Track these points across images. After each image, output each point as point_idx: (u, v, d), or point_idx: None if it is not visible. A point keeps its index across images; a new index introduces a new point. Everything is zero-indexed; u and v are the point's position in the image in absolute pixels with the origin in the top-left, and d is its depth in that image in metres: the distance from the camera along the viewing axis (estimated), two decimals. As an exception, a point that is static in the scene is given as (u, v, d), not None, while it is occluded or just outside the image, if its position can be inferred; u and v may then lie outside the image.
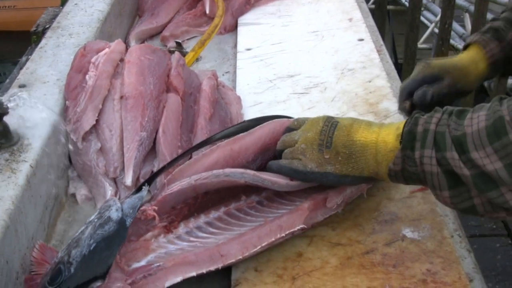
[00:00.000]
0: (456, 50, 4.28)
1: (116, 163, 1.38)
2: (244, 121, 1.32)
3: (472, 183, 0.97)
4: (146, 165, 1.40)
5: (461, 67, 1.39)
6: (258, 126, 1.27)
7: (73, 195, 1.40)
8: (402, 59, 4.20)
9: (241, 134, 1.25)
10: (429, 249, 1.15)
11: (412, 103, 1.36)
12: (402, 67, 4.13)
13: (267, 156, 1.27)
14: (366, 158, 1.11)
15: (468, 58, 1.41)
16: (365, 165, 1.12)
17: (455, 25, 4.59)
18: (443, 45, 3.44)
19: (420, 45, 4.89)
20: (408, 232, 1.19)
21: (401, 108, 1.40)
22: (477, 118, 0.98)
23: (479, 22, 3.41)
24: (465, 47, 1.45)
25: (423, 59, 1.43)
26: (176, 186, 1.16)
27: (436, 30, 4.44)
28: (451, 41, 3.78)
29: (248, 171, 1.18)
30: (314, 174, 1.15)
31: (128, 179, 1.35)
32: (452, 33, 3.96)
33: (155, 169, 1.39)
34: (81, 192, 1.40)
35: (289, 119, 1.29)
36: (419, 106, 1.33)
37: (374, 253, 1.15)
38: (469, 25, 4.63)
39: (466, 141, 0.97)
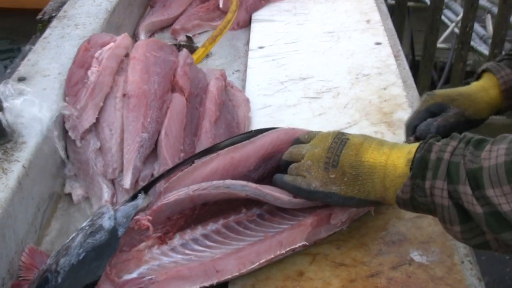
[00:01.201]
0: (475, 52, 4.19)
1: (115, 164, 1.32)
2: (252, 131, 1.26)
3: (484, 222, 0.90)
4: (146, 167, 1.34)
5: (469, 94, 1.31)
6: (261, 135, 1.21)
7: (69, 195, 1.34)
8: (420, 57, 4.12)
9: (242, 142, 1.19)
10: (438, 275, 1.08)
11: (416, 138, 1.28)
12: (419, 67, 4.04)
13: (270, 165, 1.22)
14: (374, 181, 1.05)
15: (478, 85, 1.33)
16: (372, 188, 1.05)
17: (476, 26, 4.48)
18: (462, 49, 3.35)
19: (439, 44, 4.80)
20: (416, 256, 1.12)
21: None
22: (496, 152, 0.90)
23: (502, 26, 3.32)
24: (478, 77, 1.36)
25: (426, 92, 1.34)
26: (173, 196, 1.10)
27: (456, 30, 4.36)
28: (471, 43, 3.69)
29: (250, 184, 1.12)
30: (318, 194, 1.09)
31: (127, 182, 1.30)
32: (473, 34, 3.87)
33: (155, 173, 1.33)
34: (78, 192, 1.34)
35: (294, 129, 1.23)
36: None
37: (379, 277, 1.08)
38: (490, 27, 4.54)
39: (482, 176, 0.89)
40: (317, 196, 1.09)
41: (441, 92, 1.31)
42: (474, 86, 1.33)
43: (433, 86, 4.22)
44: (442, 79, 4.39)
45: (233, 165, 1.17)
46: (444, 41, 5.23)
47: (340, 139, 1.10)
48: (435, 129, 1.26)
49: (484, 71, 1.35)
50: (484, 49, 4.16)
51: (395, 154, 1.04)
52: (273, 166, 1.21)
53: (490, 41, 4.34)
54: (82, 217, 1.29)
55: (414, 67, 4.17)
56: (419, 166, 0.97)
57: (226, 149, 1.18)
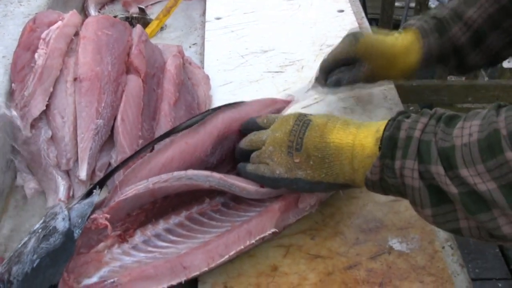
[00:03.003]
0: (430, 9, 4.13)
1: (69, 154, 1.23)
2: (208, 110, 1.17)
3: (460, 202, 0.83)
4: (102, 156, 1.26)
5: (389, 56, 1.27)
6: (210, 115, 1.13)
7: (21, 188, 1.25)
8: (371, 15, 4.07)
9: (194, 126, 1.11)
10: (419, 264, 1.02)
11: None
12: (377, 26, 3.98)
13: (227, 146, 1.14)
14: (341, 163, 0.97)
15: (402, 47, 1.27)
16: (340, 171, 0.97)
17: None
18: (420, 10, 3.29)
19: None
20: (395, 243, 1.06)
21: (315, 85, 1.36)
22: (468, 129, 0.83)
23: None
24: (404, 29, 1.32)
25: (352, 32, 1.31)
26: (131, 191, 1.01)
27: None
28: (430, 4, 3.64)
29: (214, 174, 1.04)
30: (283, 181, 1.01)
31: (82, 172, 1.21)
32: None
33: (112, 161, 1.25)
34: (30, 185, 1.25)
35: (241, 103, 1.18)
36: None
37: (358, 268, 1.02)
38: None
39: (454, 155, 0.82)
40: (283, 184, 1.02)
41: (364, 44, 1.27)
42: (398, 46, 1.27)
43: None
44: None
45: (189, 151, 1.09)
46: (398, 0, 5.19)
47: (302, 121, 1.02)
48: (344, 84, 1.29)
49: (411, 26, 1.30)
50: (440, 7, 4.11)
51: (362, 133, 0.96)
52: (230, 147, 1.14)
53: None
54: (37, 213, 1.20)
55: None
56: (388, 145, 0.90)
57: (180, 134, 1.10)
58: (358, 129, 0.97)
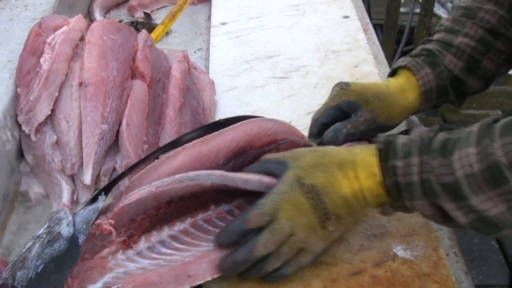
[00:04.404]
0: (434, 16, 4.13)
1: (74, 158, 1.23)
2: (220, 120, 1.16)
3: (470, 228, 0.88)
4: (107, 161, 1.26)
5: (386, 96, 1.19)
6: (231, 126, 1.12)
7: (26, 193, 1.25)
8: (376, 20, 4.07)
9: (211, 135, 1.09)
10: (424, 271, 1.02)
11: (322, 142, 1.18)
12: (382, 32, 3.98)
13: (241, 160, 1.13)
14: (361, 209, 1.00)
15: (396, 85, 1.21)
16: (362, 214, 1.07)
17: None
18: (425, 16, 3.28)
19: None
20: (400, 250, 1.06)
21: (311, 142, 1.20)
22: (467, 158, 0.85)
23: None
24: (393, 73, 1.27)
25: (340, 82, 1.21)
26: (134, 195, 1.01)
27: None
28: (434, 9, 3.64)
29: (215, 171, 1.03)
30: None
31: (87, 178, 1.21)
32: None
33: (117, 166, 1.25)
34: (35, 189, 1.24)
35: (266, 120, 1.15)
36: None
37: (362, 275, 1.02)
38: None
39: (460, 187, 0.85)
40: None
41: (356, 89, 1.18)
42: (392, 86, 1.21)
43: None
44: (402, 43, 4.34)
45: (200, 159, 1.07)
46: (402, 5, 5.18)
47: (310, 191, 0.96)
48: (343, 137, 1.16)
49: (400, 67, 1.24)
50: (443, 13, 4.13)
51: (362, 176, 0.96)
52: (245, 162, 1.12)
53: (448, 4, 4.30)
54: (42, 217, 1.20)
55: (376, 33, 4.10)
56: (394, 192, 0.94)
57: (193, 142, 1.08)
58: (354, 171, 0.97)
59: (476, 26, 1.23)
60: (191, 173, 1.03)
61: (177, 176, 1.03)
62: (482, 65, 1.23)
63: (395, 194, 0.94)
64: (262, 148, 1.14)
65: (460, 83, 1.24)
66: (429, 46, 1.25)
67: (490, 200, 0.83)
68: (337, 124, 1.17)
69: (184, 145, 1.08)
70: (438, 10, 4.28)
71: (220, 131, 1.10)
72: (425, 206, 0.92)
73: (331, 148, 1.03)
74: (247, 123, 1.12)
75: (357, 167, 0.97)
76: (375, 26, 4.16)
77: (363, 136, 1.18)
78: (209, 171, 1.04)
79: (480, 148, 0.83)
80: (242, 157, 1.12)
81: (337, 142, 1.15)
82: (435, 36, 1.27)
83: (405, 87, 1.21)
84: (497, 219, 0.84)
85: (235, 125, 1.11)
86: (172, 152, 1.07)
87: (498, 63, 1.24)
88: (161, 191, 1.02)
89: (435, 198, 0.89)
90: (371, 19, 4.54)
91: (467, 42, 1.22)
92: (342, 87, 1.18)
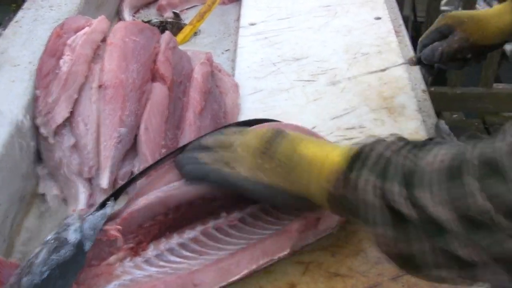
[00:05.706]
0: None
1: (92, 161, 1.22)
2: (238, 123, 1.14)
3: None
4: (125, 165, 1.24)
5: (480, 18, 1.28)
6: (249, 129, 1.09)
7: (43, 196, 1.24)
8: (422, 19, 3.98)
9: None
10: (442, 286, 0.98)
11: (420, 59, 1.35)
12: (421, 30, 3.90)
13: None
14: (310, 175, 0.90)
15: (495, 9, 1.28)
16: (306, 182, 0.91)
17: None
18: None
19: (442, 7, 4.65)
20: (418, 264, 1.02)
21: (408, 61, 1.41)
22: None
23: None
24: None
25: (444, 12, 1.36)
26: (142, 201, 0.99)
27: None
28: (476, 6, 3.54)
29: None
30: (244, 181, 0.96)
31: (104, 181, 1.19)
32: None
33: (135, 170, 1.22)
34: (52, 192, 1.23)
35: (282, 124, 1.12)
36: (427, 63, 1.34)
37: (378, 290, 0.99)
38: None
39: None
40: (242, 186, 0.97)
41: (452, 14, 1.31)
42: (492, 9, 1.29)
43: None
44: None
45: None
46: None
47: (279, 133, 0.96)
48: (439, 56, 1.29)
49: None
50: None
51: (336, 151, 0.89)
52: None
53: (494, 2, 4.20)
54: (59, 221, 1.19)
55: (416, 29, 4.04)
56: (356, 160, 0.84)
57: None
58: (335, 149, 0.91)
59: None
60: None
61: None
62: None
63: (356, 163, 0.83)
64: None
65: None
66: None
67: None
68: (435, 43, 1.31)
69: None
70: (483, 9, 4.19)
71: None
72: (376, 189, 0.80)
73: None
74: (264, 126, 1.10)
75: (340, 146, 0.92)
76: (420, 24, 4.10)
77: (457, 55, 1.29)
78: None
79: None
80: None
81: (433, 60, 1.31)
82: None
83: (503, 10, 1.27)
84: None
85: (252, 128, 1.09)
86: None
87: None
88: (169, 195, 1.00)
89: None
90: (416, 17, 4.46)
91: None
92: (443, 14, 1.32)
